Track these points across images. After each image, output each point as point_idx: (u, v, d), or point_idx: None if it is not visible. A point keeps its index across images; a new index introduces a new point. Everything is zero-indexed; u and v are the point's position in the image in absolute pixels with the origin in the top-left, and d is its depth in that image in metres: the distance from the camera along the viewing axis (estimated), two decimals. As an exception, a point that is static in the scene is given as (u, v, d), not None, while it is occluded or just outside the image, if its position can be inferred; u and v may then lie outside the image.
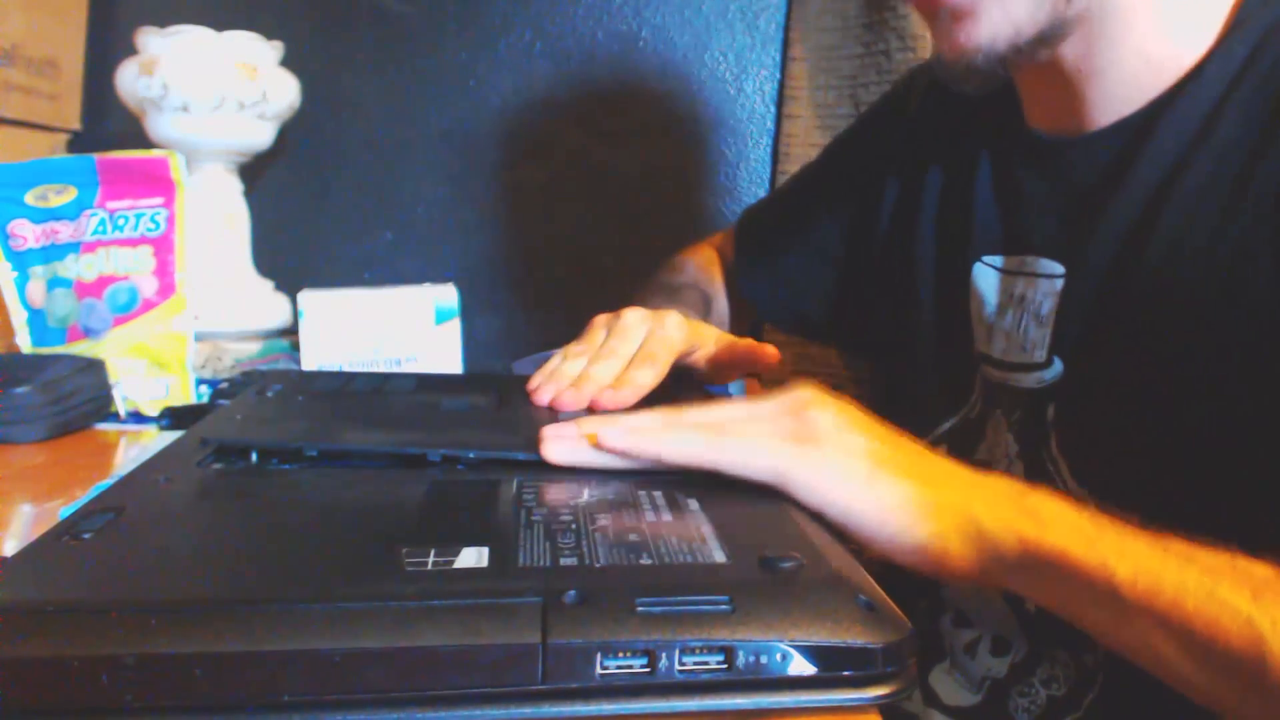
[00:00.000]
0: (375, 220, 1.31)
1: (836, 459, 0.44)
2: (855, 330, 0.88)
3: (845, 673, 0.31)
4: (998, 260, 0.68)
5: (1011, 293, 0.66)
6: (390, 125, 1.29)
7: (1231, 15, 0.58)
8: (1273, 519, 0.52)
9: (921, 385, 0.75)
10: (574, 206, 1.30)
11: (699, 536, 0.37)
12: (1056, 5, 0.57)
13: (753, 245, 0.93)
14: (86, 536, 0.36)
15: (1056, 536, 0.43)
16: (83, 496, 0.54)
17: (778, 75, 1.26)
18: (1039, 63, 0.61)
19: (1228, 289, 0.54)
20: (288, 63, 1.10)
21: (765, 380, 0.90)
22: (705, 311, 0.88)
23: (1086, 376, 0.62)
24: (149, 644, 0.28)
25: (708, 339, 0.68)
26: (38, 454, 0.70)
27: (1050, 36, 0.58)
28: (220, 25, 1.03)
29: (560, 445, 0.46)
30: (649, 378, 0.59)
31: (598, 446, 0.45)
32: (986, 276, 0.68)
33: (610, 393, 0.57)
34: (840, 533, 0.43)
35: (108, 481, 0.49)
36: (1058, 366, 0.63)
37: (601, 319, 0.66)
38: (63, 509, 0.53)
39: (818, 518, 0.43)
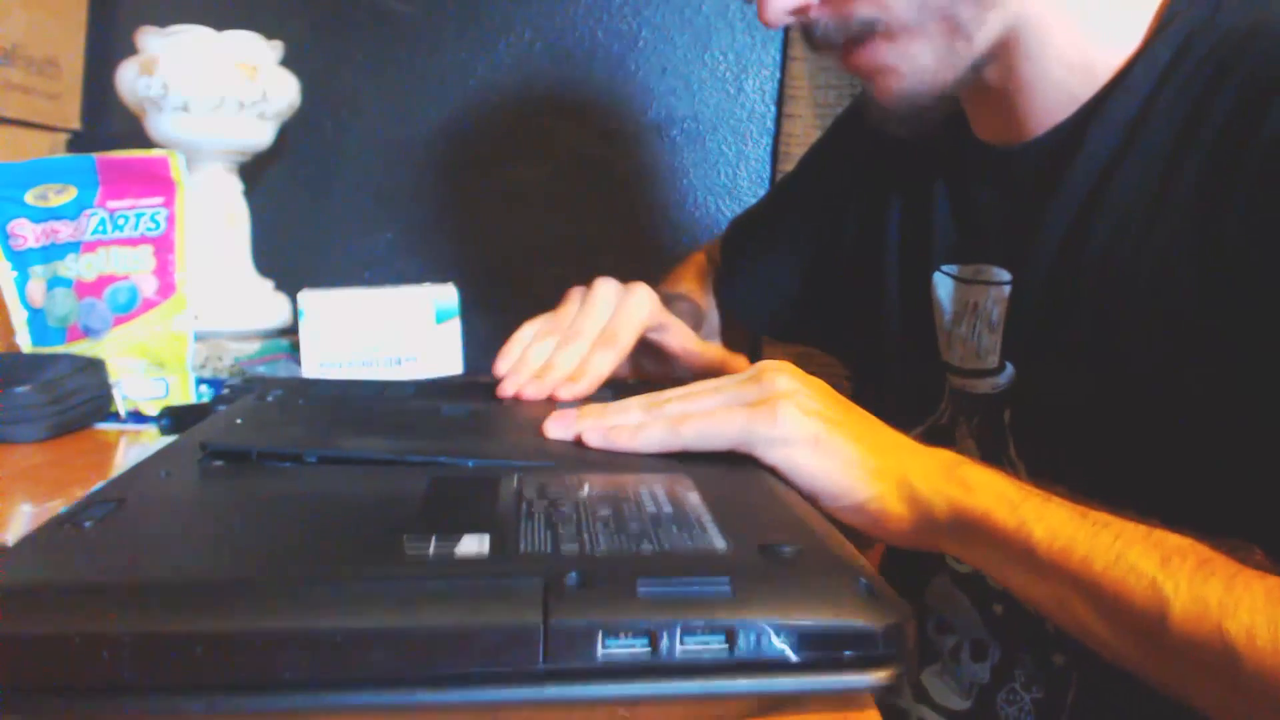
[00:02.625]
0: (375, 220, 1.31)
1: (790, 419, 0.48)
2: (827, 335, 0.90)
3: (845, 654, 0.31)
4: (954, 269, 0.69)
5: (966, 301, 0.67)
6: (390, 125, 1.29)
7: (1159, 15, 0.57)
8: (1224, 511, 0.51)
9: (892, 393, 0.76)
10: (574, 206, 1.30)
11: (699, 525, 0.37)
12: (961, 52, 0.58)
13: (734, 255, 0.94)
14: (88, 525, 0.36)
15: (980, 500, 0.46)
16: (83, 496, 0.54)
17: (778, 75, 1.26)
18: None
19: (1155, 294, 0.54)
20: (288, 62, 1.10)
21: None
22: (696, 323, 0.89)
23: (1036, 380, 0.62)
24: (150, 622, 0.29)
25: (674, 321, 0.71)
26: (37, 454, 0.70)
27: (970, 79, 0.60)
28: (220, 25, 1.03)
29: (559, 425, 0.52)
30: (607, 363, 0.64)
31: (582, 445, 0.51)
32: (945, 285, 0.69)
33: (568, 386, 0.62)
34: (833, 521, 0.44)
35: (108, 481, 0.49)
36: (1009, 371, 0.64)
37: (575, 292, 0.70)
38: (63, 509, 0.53)
39: (819, 510, 0.43)
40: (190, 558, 0.33)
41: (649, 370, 0.74)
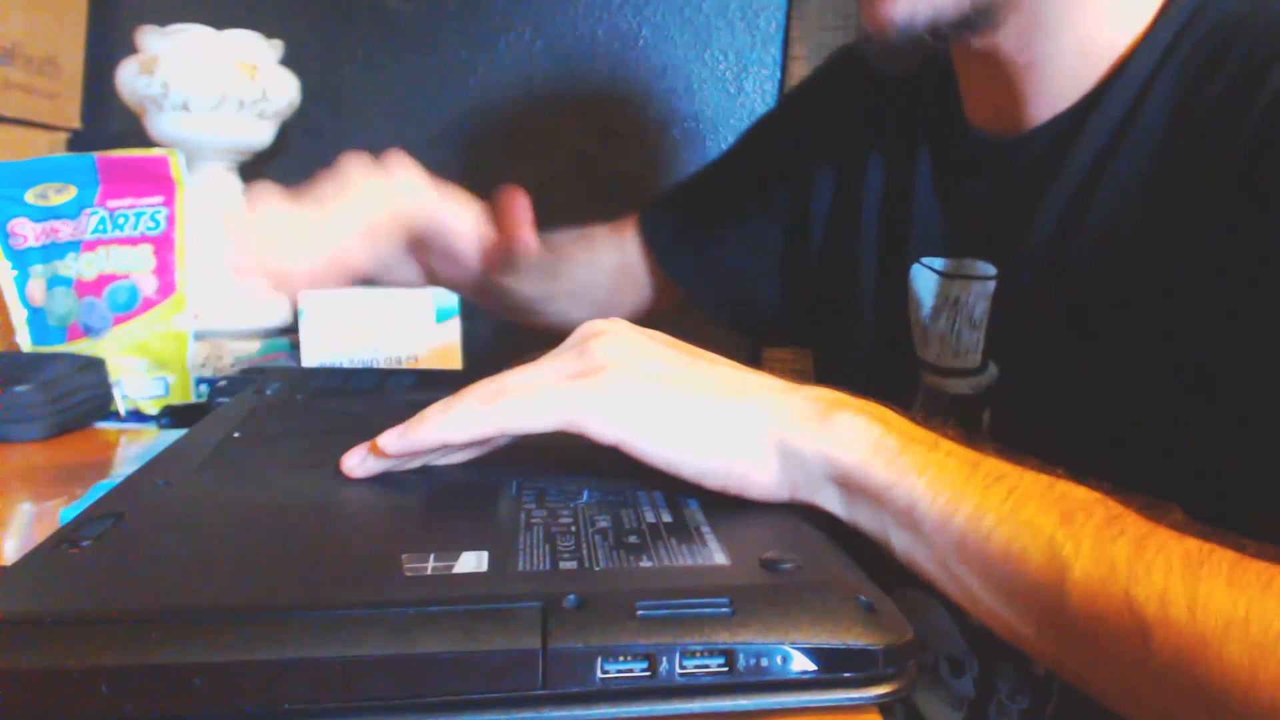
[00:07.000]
0: (375, 220, 1.31)
1: (623, 387, 0.41)
2: (802, 331, 0.84)
3: (846, 674, 0.31)
4: (938, 263, 0.66)
5: (947, 295, 0.64)
6: (390, 125, 1.29)
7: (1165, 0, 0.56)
8: (1213, 513, 0.50)
9: (861, 390, 0.72)
10: (574, 206, 1.30)
11: (699, 538, 0.37)
12: None
13: (670, 236, 0.87)
14: (85, 544, 0.35)
15: (856, 450, 0.40)
16: (83, 496, 0.54)
17: (778, 75, 1.26)
18: (976, 53, 0.59)
19: (1150, 286, 0.52)
20: (288, 61, 1.10)
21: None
22: (550, 275, 0.86)
23: (1021, 381, 0.60)
24: (149, 654, 0.28)
25: (468, 215, 0.66)
26: (38, 453, 0.70)
27: (976, 22, 0.56)
28: (220, 24, 1.03)
29: (352, 461, 0.44)
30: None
31: (381, 455, 0.43)
32: (924, 279, 0.66)
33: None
34: (839, 535, 0.42)
35: (107, 481, 0.49)
36: (992, 371, 0.61)
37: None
38: (62, 509, 0.53)
39: (819, 520, 0.43)
40: (190, 582, 0.33)
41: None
